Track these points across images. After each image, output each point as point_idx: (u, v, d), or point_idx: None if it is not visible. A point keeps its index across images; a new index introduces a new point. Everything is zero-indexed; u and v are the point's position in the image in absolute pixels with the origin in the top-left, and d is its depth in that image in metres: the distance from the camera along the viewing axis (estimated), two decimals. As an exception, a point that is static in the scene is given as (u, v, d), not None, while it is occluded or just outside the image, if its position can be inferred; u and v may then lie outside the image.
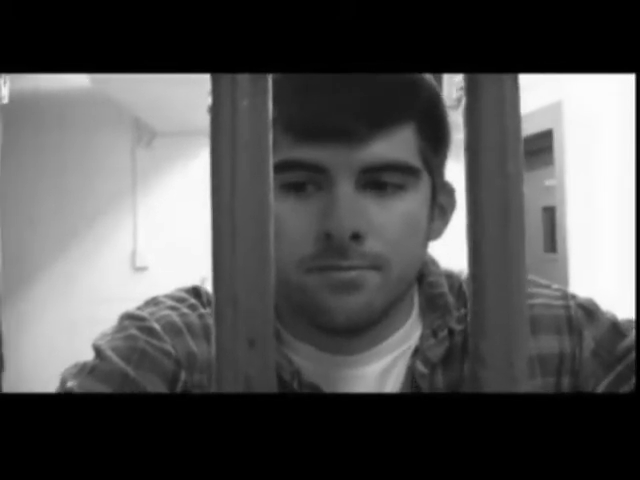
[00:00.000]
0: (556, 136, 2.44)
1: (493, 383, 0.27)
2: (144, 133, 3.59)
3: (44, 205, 3.60)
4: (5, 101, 2.34)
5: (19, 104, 3.20)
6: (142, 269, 3.71)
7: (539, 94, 2.53)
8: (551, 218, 2.69)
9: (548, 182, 2.74)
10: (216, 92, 0.25)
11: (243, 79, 0.25)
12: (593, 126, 2.24)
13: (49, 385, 0.54)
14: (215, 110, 0.25)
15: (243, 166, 0.25)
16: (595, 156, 2.24)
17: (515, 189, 0.26)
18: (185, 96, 2.61)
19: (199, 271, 2.12)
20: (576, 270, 2.39)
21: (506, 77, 0.27)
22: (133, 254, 3.72)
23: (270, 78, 0.25)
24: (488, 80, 0.27)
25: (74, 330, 3.44)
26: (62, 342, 3.39)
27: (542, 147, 2.63)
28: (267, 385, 0.26)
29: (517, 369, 0.27)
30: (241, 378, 0.26)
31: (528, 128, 2.69)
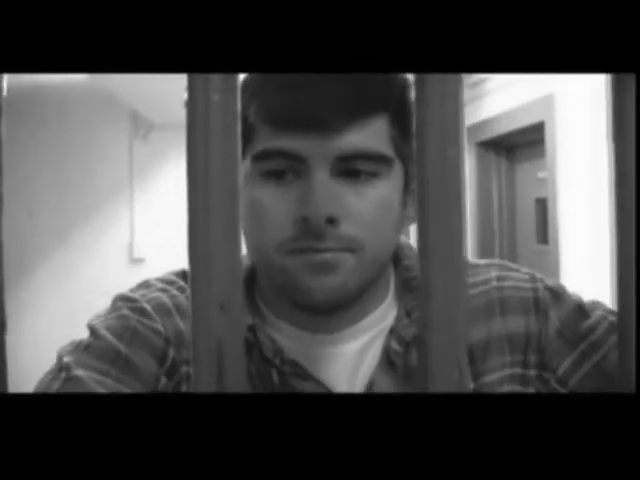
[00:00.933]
0: (548, 128, 2.47)
1: (436, 344, 0.30)
2: (141, 126, 3.62)
3: (44, 198, 3.64)
4: (4, 94, 2.40)
5: (18, 98, 3.23)
6: (139, 261, 3.74)
7: (531, 87, 2.56)
8: (543, 210, 2.72)
9: (541, 174, 2.77)
10: (191, 88, 0.29)
11: (215, 77, 0.28)
12: (585, 119, 2.27)
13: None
14: (191, 104, 0.29)
15: (215, 153, 0.28)
16: (586, 148, 2.27)
17: (455, 171, 0.30)
18: (181, 89, 2.65)
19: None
20: (567, 261, 2.43)
21: (449, 75, 0.30)
22: (130, 246, 3.76)
23: (238, 76, 0.29)
24: (433, 78, 0.30)
25: (73, 320, 3.47)
26: (61, 332, 3.42)
27: (536, 139, 2.66)
28: (236, 345, 0.30)
29: (458, 331, 0.30)
30: (213, 340, 0.30)
31: (521, 120, 2.72)
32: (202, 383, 0.30)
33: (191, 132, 0.28)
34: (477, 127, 3.14)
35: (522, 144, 3.05)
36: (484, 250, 3.17)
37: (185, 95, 0.29)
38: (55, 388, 0.51)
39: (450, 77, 0.31)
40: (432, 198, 0.29)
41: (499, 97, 2.87)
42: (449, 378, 0.31)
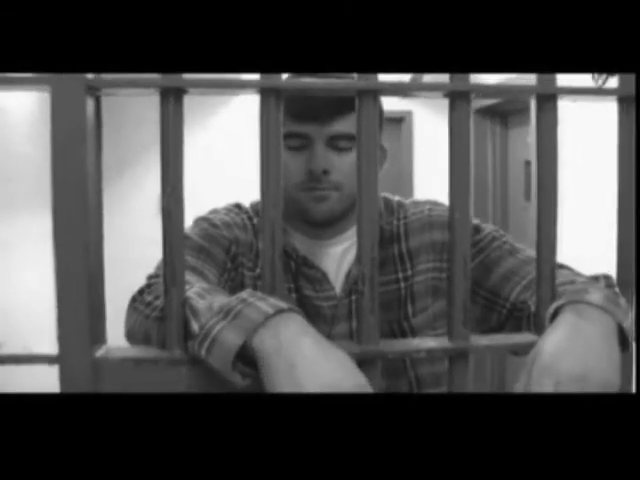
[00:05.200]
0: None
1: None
2: (171, 90, 3.95)
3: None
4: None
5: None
6: (167, 213, 4.10)
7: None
8: (529, 171, 3.07)
9: (529, 138, 3.11)
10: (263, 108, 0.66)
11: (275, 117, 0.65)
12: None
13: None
14: (262, 118, 0.66)
15: (274, 139, 0.65)
16: (567, 116, 2.59)
17: (372, 161, 0.66)
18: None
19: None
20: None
21: (371, 97, 0.66)
22: (159, 199, 4.12)
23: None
24: (366, 101, 0.66)
25: (107, 265, 3.86)
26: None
27: (526, 107, 2.98)
28: (279, 221, 0.67)
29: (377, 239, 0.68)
30: (272, 219, 0.67)
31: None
32: (266, 242, 0.67)
33: (262, 128, 0.65)
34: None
35: (514, 111, 3.36)
36: (478, 206, 3.51)
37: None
38: None
39: (373, 98, 0.67)
40: (363, 169, 0.66)
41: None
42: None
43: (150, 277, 0.83)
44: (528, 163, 3.19)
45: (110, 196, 4.06)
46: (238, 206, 1.02)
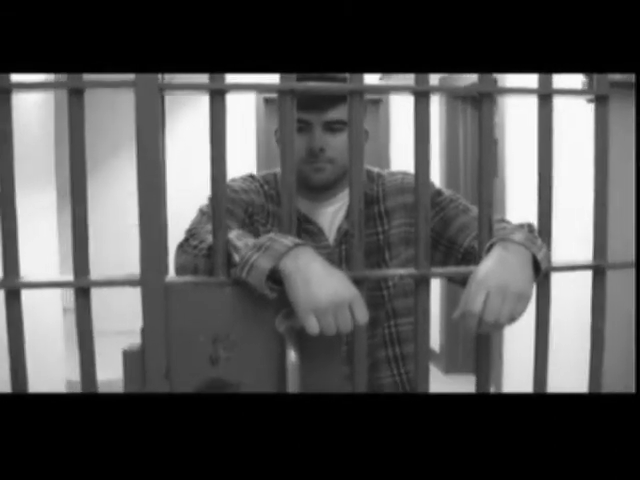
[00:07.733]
0: (499, 81, 3.06)
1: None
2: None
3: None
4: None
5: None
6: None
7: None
8: (496, 149, 3.35)
9: (497, 119, 3.38)
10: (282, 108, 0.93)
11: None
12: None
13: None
14: (280, 117, 0.92)
15: (289, 124, 0.92)
16: (530, 98, 2.85)
17: (359, 142, 0.94)
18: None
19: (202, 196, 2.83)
20: (510, 190, 3.07)
21: (358, 96, 0.94)
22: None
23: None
24: (354, 99, 0.94)
25: (102, 242, 4.14)
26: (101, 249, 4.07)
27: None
28: (293, 186, 0.94)
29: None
30: (289, 184, 0.94)
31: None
32: (285, 197, 0.94)
33: (280, 118, 0.92)
34: (447, 79, 3.72)
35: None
36: (450, 180, 3.78)
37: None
38: (204, 221, 1.15)
39: (358, 99, 0.94)
40: (352, 149, 0.93)
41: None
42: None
43: (189, 230, 1.10)
44: (496, 142, 3.47)
45: (106, 176, 4.33)
46: (252, 176, 1.28)
